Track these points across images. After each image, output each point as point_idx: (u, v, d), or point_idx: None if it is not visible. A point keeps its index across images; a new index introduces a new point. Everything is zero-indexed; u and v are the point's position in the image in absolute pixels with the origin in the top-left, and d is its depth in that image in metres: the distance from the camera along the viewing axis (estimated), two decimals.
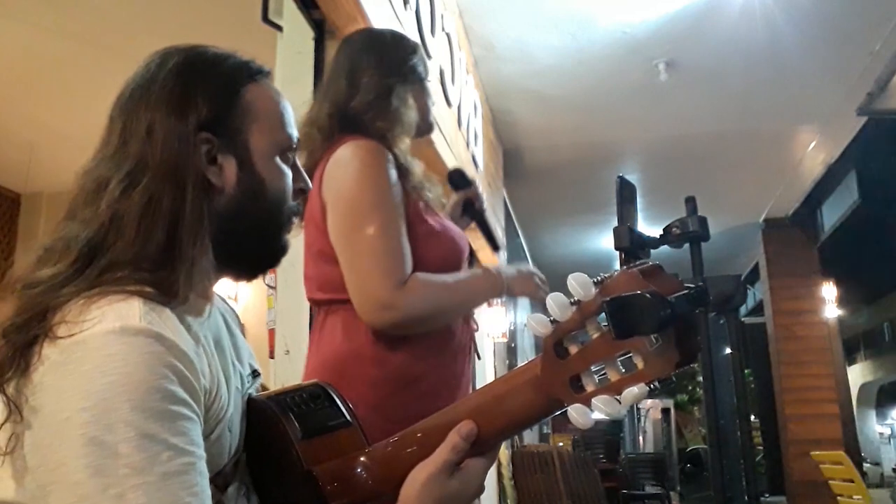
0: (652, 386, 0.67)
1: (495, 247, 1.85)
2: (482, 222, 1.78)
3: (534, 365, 0.75)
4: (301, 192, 0.92)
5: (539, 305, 0.84)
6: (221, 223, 0.82)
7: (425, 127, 1.66)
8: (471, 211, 1.78)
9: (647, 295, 0.64)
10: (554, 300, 0.71)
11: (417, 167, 1.55)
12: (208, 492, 0.71)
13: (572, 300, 0.70)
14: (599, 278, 0.70)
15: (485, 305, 1.77)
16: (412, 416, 0.86)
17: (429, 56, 3.41)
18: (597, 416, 0.70)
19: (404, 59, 1.61)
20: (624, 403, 0.68)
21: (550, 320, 0.71)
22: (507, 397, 0.77)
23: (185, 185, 0.79)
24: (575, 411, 0.70)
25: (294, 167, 0.92)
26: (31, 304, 0.73)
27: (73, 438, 0.66)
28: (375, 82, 1.54)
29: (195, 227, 0.79)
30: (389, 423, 0.88)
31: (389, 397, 1.42)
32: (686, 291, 0.66)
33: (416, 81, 1.61)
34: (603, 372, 0.71)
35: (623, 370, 0.69)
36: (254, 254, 0.89)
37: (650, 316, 0.64)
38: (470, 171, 4.43)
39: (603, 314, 0.68)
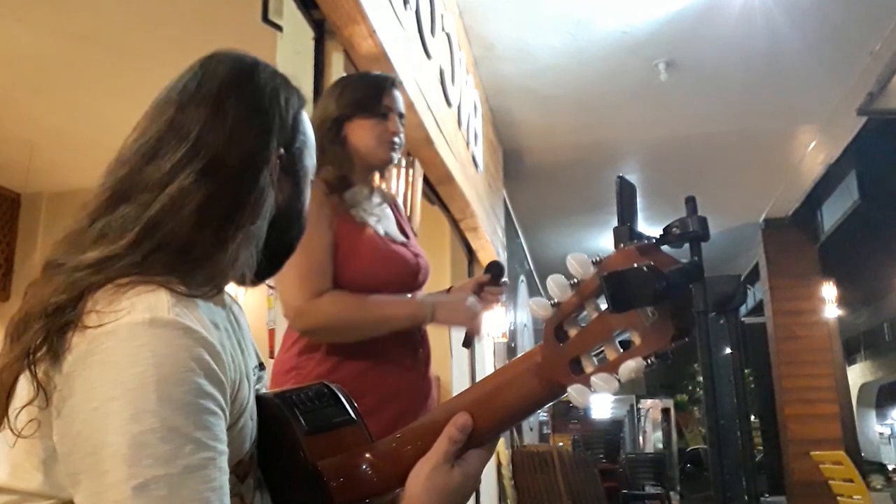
0: (649, 361, 0.69)
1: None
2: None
3: (533, 353, 0.76)
4: None
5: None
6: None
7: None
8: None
9: (644, 268, 0.66)
10: (554, 281, 0.72)
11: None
12: (227, 488, 0.72)
13: (572, 281, 0.72)
14: (598, 258, 0.72)
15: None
16: None
17: (429, 56, 3.41)
18: (596, 395, 0.72)
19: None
20: (622, 378, 0.70)
21: (551, 303, 0.73)
22: (508, 387, 0.78)
23: (252, 194, 0.82)
24: (574, 391, 0.72)
25: None
26: (72, 285, 0.75)
27: (102, 428, 0.68)
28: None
29: (253, 232, 0.83)
30: None
31: None
32: (681, 265, 0.68)
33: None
34: (601, 353, 0.72)
35: (621, 350, 0.71)
36: (267, 265, 0.91)
37: (646, 288, 0.66)
38: (469, 171, 4.44)
39: (601, 295, 0.70)
